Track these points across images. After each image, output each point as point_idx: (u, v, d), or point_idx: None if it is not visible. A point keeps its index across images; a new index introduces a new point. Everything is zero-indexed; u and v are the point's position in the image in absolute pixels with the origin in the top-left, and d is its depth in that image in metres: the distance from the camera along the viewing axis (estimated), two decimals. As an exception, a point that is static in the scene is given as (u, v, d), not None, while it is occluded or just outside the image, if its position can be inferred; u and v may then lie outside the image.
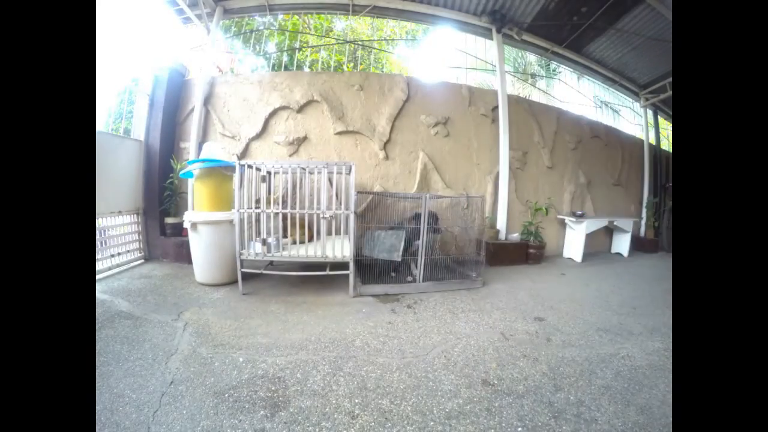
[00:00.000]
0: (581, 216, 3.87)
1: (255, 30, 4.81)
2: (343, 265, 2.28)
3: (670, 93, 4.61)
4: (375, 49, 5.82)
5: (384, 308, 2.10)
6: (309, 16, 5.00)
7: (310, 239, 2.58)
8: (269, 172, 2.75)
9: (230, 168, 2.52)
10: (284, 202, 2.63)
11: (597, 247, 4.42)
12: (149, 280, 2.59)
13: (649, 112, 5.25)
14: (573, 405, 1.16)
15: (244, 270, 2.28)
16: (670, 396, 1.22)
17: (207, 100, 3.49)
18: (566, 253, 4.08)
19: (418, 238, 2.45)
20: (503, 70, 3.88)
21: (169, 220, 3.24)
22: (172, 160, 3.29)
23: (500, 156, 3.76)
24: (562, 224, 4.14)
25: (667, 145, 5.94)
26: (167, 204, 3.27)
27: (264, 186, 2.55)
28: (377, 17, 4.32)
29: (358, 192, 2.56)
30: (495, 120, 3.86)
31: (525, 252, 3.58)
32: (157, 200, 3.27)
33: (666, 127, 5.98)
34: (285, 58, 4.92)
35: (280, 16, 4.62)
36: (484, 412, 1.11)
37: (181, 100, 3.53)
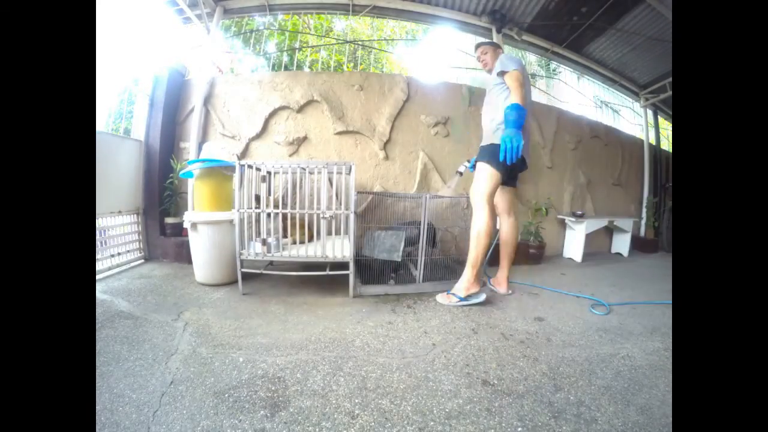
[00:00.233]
0: (581, 216, 3.87)
1: (255, 30, 4.81)
2: (343, 265, 2.28)
3: (670, 93, 4.61)
4: (375, 49, 5.82)
5: (384, 308, 2.10)
6: (309, 16, 5.00)
7: (310, 239, 2.58)
8: (269, 172, 2.75)
9: (230, 168, 2.52)
10: (284, 202, 2.63)
11: (597, 247, 4.42)
12: (149, 280, 2.59)
13: (649, 112, 5.25)
14: (573, 405, 1.16)
15: (244, 270, 2.28)
16: (670, 396, 1.22)
17: (207, 100, 3.49)
18: (566, 253, 4.09)
19: (412, 245, 2.49)
20: (503, 70, 3.86)
21: (169, 220, 3.24)
22: (172, 160, 3.29)
23: (500, 156, 3.76)
24: (562, 224, 4.14)
25: (667, 145, 5.94)
26: (167, 204, 3.27)
27: (264, 186, 2.55)
28: (377, 17, 4.32)
29: (358, 192, 2.56)
30: (495, 120, 3.85)
31: (525, 252, 3.58)
32: (157, 200, 3.27)
33: (666, 127, 5.98)
34: (285, 58, 4.91)
35: (280, 16, 4.61)
36: (484, 412, 1.11)
37: (181, 100, 3.53)
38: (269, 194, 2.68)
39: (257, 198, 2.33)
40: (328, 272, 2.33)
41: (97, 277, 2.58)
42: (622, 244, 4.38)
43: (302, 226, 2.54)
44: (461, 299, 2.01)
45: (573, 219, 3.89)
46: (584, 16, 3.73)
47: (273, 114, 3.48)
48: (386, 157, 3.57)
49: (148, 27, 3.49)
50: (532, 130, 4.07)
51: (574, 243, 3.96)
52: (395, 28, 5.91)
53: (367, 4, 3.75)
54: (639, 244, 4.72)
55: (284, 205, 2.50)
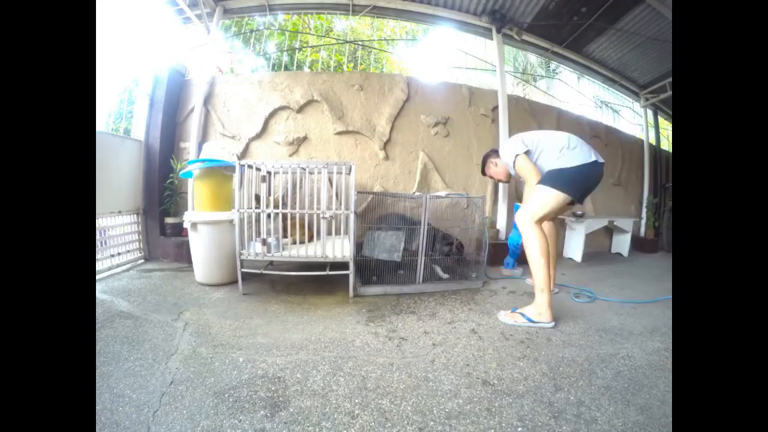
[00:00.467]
0: (581, 216, 3.87)
1: (255, 30, 4.82)
2: (343, 265, 2.29)
3: (670, 93, 4.61)
4: (375, 49, 5.82)
5: (384, 308, 2.10)
6: (309, 16, 5.00)
7: (310, 239, 2.59)
8: (269, 172, 2.75)
9: (230, 168, 2.52)
10: (284, 202, 2.63)
11: (597, 247, 4.42)
12: (149, 280, 2.59)
13: (649, 112, 5.25)
14: (573, 405, 1.16)
15: (244, 270, 2.28)
16: (670, 396, 1.22)
17: (207, 100, 3.49)
18: (566, 253, 4.09)
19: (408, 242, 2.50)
20: (503, 70, 3.87)
21: (169, 220, 3.24)
22: (172, 160, 3.29)
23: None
24: (562, 224, 4.14)
25: (667, 145, 5.94)
26: (167, 204, 3.27)
27: (264, 186, 2.55)
28: (377, 17, 4.32)
29: (358, 192, 2.56)
30: (495, 120, 3.86)
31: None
32: (157, 200, 3.27)
33: (666, 127, 5.98)
34: (285, 58, 4.92)
35: (280, 16, 4.61)
36: (484, 412, 1.11)
37: (181, 100, 3.53)
38: (269, 194, 2.68)
39: (257, 198, 2.33)
40: (328, 272, 2.33)
41: (97, 277, 2.58)
42: (622, 244, 4.38)
43: (302, 226, 2.54)
44: (530, 321, 1.87)
45: (573, 219, 3.89)
46: (584, 16, 3.73)
47: (273, 114, 3.48)
48: (386, 157, 3.57)
49: (149, 27, 3.49)
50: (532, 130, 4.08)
51: (574, 243, 3.96)
52: (395, 28, 5.92)
53: (367, 4, 3.75)
54: (639, 244, 4.72)
55: (284, 205, 2.50)
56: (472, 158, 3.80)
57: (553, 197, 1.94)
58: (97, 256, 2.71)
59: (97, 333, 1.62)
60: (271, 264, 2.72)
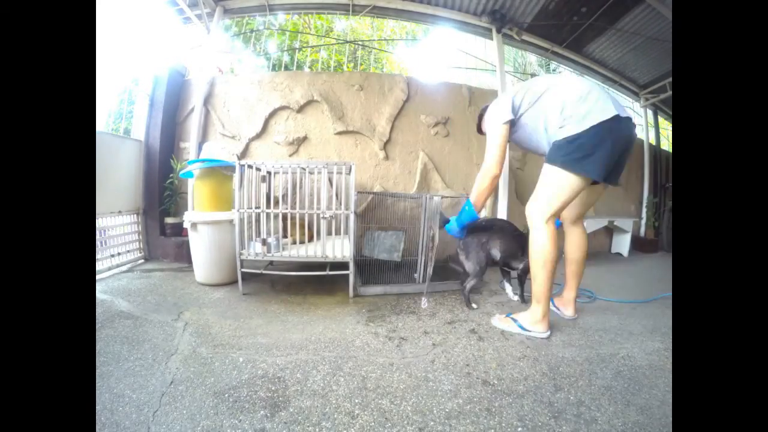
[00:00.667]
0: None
1: (255, 30, 4.82)
2: (343, 265, 2.29)
3: (670, 93, 4.61)
4: (375, 49, 5.82)
5: (384, 308, 2.10)
6: (309, 16, 5.00)
7: (311, 239, 2.58)
8: (269, 172, 2.75)
9: (230, 168, 2.52)
10: (284, 202, 2.63)
11: (597, 247, 4.42)
12: (149, 280, 2.59)
13: (649, 112, 5.25)
14: (573, 405, 1.16)
15: (244, 270, 2.28)
16: (670, 396, 1.22)
17: (207, 100, 3.49)
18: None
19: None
20: (503, 70, 3.87)
21: (169, 220, 3.24)
22: (172, 160, 3.29)
23: (500, 156, 3.76)
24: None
25: (667, 145, 5.94)
26: (167, 204, 3.27)
27: (264, 186, 2.55)
28: (377, 17, 4.32)
29: (359, 192, 2.56)
30: (495, 120, 3.85)
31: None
32: (157, 200, 3.27)
33: (666, 127, 5.98)
34: (285, 58, 4.92)
35: (281, 16, 4.61)
36: (484, 412, 1.11)
37: (181, 100, 3.53)
38: (269, 194, 2.68)
39: (267, 197, 2.31)
40: (328, 272, 2.33)
41: (97, 277, 2.58)
42: (622, 244, 4.38)
43: (302, 226, 2.54)
44: (522, 329, 1.68)
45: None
46: (584, 16, 3.73)
47: (273, 114, 3.48)
48: (386, 157, 3.57)
49: (149, 27, 3.49)
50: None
51: (574, 243, 3.95)
52: (395, 28, 5.92)
53: (367, 4, 3.75)
54: (639, 244, 4.71)
55: (284, 205, 2.50)
56: (472, 158, 3.80)
57: (566, 181, 1.44)
58: (97, 256, 2.71)
59: (97, 333, 1.62)
60: (271, 264, 2.72)
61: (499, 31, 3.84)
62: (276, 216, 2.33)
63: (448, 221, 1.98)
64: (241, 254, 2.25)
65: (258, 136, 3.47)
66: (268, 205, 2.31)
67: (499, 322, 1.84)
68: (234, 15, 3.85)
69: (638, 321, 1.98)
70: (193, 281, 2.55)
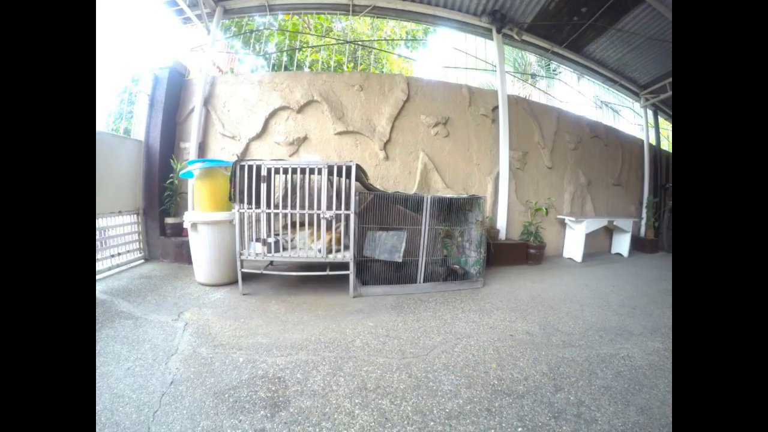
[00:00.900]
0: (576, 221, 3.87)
1: (255, 30, 4.81)
2: (344, 266, 2.28)
3: (670, 93, 4.61)
4: (375, 49, 5.82)
5: (384, 308, 2.10)
6: (309, 16, 5.00)
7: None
8: (269, 172, 2.74)
9: (230, 168, 2.52)
10: (284, 202, 2.63)
11: (597, 247, 4.42)
12: (149, 280, 2.59)
13: (649, 112, 5.26)
14: (573, 405, 1.16)
15: (244, 270, 2.28)
16: (670, 396, 1.22)
17: (207, 100, 3.49)
18: (566, 253, 4.09)
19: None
20: (503, 70, 3.88)
21: (169, 220, 3.24)
22: (172, 160, 3.29)
23: (500, 156, 3.76)
24: (562, 224, 4.14)
25: (667, 145, 5.94)
26: (167, 204, 3.27)
27: (264, 186, 2.55)
28: (377, 17, 4.33)
29: (359, 192, 2.56)
30: (495, 120, 3.86)
31: (525, 252, 3.58)
32: (157, 200, 3.27)
33: (666, 127, 5.98)
34: (285, 58, 4.91)
35: (280, 17, 4.61)
36: (484, 412, 1.11)
37: (181, 100, 3.53)
38: (269, 194, 2.68)
39: (267, 197, 2.31)
40: (328, 272, 2.33)
41: (97, 277, 2.58)
42: (622, 244, 4.38)
43: (302, 226, 2.53)
44: None
45: (573, 219, 3.90)
46: (584, 16, 3.73)
47: (273, 114, 3.48)
48: (386, 157, 3.57)
49: (149, 27, 3.49)
50: (532, 131, 4.08)
51: (574, 243, 3.96)
52: (395, 28, 5.91)
53: (367, 4, 3.75)
54: (639, 244, 4.72)
55: (285, 205, 2.50)
56: (472, 158, 3.80)
57: None
58: (98, 256, 2.71)
59: (97, 333, 1.62)
60: (271, 264, 2.72)
61: (499, 31, 3.84)
62: (276, 214, 2.33)
63: None
64: (241, 254, 2.25)
65: (258, 136, 3.47)
66: (268, 206, 2.30)
67: None
68: (234, 15, 3.85)
69: (638, 321, 1.98)
70: (193, 281, 2.55)
